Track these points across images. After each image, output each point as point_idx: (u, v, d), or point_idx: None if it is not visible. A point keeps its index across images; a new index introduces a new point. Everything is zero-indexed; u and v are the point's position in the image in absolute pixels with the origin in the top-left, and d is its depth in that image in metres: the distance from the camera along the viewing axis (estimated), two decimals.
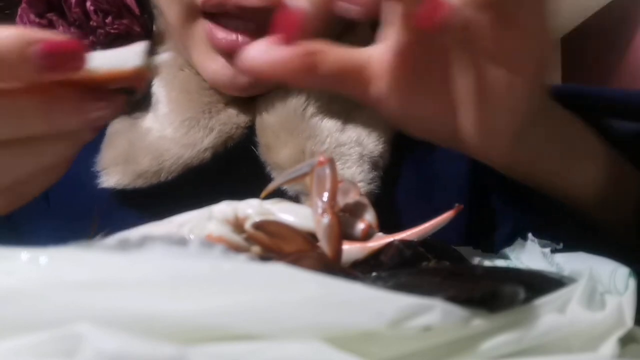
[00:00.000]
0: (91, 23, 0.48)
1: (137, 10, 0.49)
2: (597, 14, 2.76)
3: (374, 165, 0.46)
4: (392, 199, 0.48)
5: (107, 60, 0.26)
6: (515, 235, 0.33)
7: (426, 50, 0.32)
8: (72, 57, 0.25)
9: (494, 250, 0.35)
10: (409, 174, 0.50)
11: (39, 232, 0.49)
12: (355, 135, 0.46)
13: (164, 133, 0.46)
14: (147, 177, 0.45)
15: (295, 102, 0.46)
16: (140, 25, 0.49)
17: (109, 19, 0.48)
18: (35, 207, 0.47)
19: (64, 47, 0.24)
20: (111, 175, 0.46)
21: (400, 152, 0.48)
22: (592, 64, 2.83)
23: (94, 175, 0.46)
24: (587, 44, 2.89)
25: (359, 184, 0.44)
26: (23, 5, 0.49)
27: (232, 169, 0.47)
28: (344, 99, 0.45)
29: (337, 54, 0.32)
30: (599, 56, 2.77)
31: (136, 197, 0.46)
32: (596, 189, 0.37)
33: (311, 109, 0.46)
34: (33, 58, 0.24)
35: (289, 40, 0.28)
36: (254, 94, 0.47)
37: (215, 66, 0.44)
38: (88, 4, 0.48)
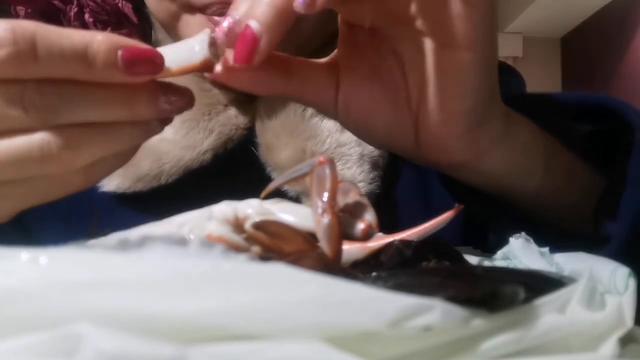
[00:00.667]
0: None
1: (135, 19, 0.48)
2: (597, 14, 2.76)
3: (375, 165, 0.46)
4: (393, 198, 0.48)
5: (173, 55, 0.28)
6: (503, 235, 0.34)
7: (373, 51, 0.34)
8: (151, 64, 0.28)
9: (493, 250, 0.35)
10: (408, 173, 0.50)
11: (45, 234, 0.49)
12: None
13: (164, 135, 0.46)
14: (147, 181, 0.45)
15: (296, 103, 0.46)
16: (139, 33, 0.49)
17: (108, 30, 0.48)
18: (40, 209, 0.48)
19: (144, 54, 0.27)
20: (111, 178, 0.46)
21: None
22: (592, 64, 2.83)
23: None
24: (587, 44, 2.89)
25: (360, 184, 0.45)
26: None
27: (232, 171, 0.47)
28: None
29: (303, 60, 0.33)
30: (599, 56, 2.77)
31: (136, 200, 0.46)
32: (549, 188, 0.38)
33: (311, 110, 0.46)
34: (119, 62, 0.27)
35: (242, 61, 0.29)
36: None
37: None
38: (87, 16, 0.48)
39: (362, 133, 0.37)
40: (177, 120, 0.46)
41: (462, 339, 0.20)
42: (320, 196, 0.27)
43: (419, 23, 0.31)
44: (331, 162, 0.28)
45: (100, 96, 0.28)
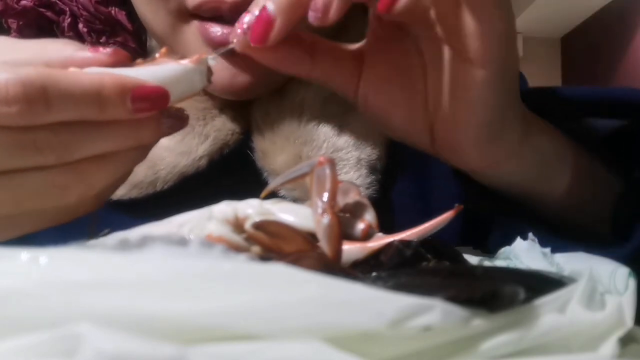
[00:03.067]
0: (85, 44, 0.47)
1: (129, 25, 0.48)
2: (597, 14, 2.76)
3: (372, 169, 0.46)
4: (391, 203, 0.48)
5: (174, 85, 0.30)
6: (511, 235, 0.34)
7: (399, 47, 0.35)
8: (158, 101, 0.29)
9: (493, 250, 0.35)
10: (407, 177, 0.50)
11: (42, 240, 0.49)
12: (352, 139, 0.45)
13: (159, 142, 0.46)
14: (143, 188, 0.45)
15: (291, 108, 0.45)
16: (134, 39, 0.48)
17: (103, 39, 0.47)
18: None
19: (151, 93, 0.29)
20: None
21: (398, 154, 0.48)
22: (592, 64, 2.83)
23: None
24: (587, 44, 2.89)
25: None
26: (13, 34, 0.48)
27: (228, 177, 0.46)
28: (339, 103, 0.45)
29: (331, 43, 0.34)
30: (599, 56, 2.77)
31: (132, 207, 0.45)
32: (566, 191, 0.38)
33: (307, 114, 0.46)
34: (128, 104, 0.28)
35: (257, 41, 0.31)
36: (251, 97, 0.46)
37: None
38: (80, 25, 0.47)
39: (380, 124, 0.38)
40: None
41: (462, 339, 0.20)
42: (320, 196, 0.27)
43: (439, 30, 0.32)
44: (331, 162, 0.28)
45: (109, 131, 0.29)
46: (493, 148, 0.35)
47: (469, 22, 0.30)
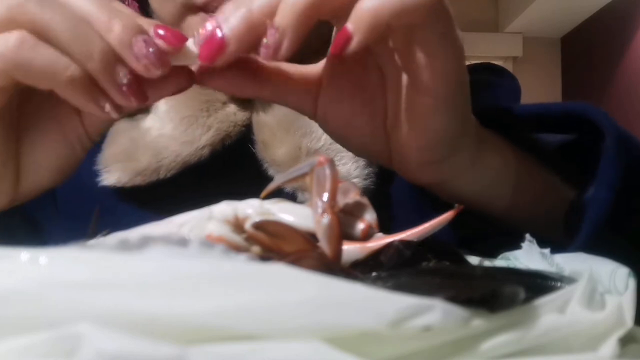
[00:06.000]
0: None
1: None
2: (597, 14, 2.76)
3: (369, 162, 0.47)
4: (387, 195, 0.49)
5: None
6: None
7: (360, 63, 0.35)
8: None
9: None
10: None
11: (53, 232, 0.49)
12: None
13: (163, 131, 0.47)
14: (146, 175, 0.46)
15: None
16: None
17: None
18: (45, 207, 0.48)
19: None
20: (111, 173, 0.46)
21: None
22: (592, 64, 2.83)
23: (95, 175, 0.46)
24: (587, 44, 2.89)
25: (355, 180, 0.45)
26: None
27: (230, 167, 0.47)
28: None
29: (288, 65, 0.34)
30: (599, 56, 2.77)
31: (136, 194, 0.46)
32: (519, 206, 0.40)
33: None
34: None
35: (205, 59, 0.30)
36: None
37: None
38: None
39: (338, 140, 0.38)
40: (177, 116, 0.47)
41: (462, 339, 0.20)
42: (320, 196, 0.27)
43: (396, 57, 0.33)
44: (331, 162, 0.28)
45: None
46: (440, 168, 0.36)
47: (419, 57, 0.31)
